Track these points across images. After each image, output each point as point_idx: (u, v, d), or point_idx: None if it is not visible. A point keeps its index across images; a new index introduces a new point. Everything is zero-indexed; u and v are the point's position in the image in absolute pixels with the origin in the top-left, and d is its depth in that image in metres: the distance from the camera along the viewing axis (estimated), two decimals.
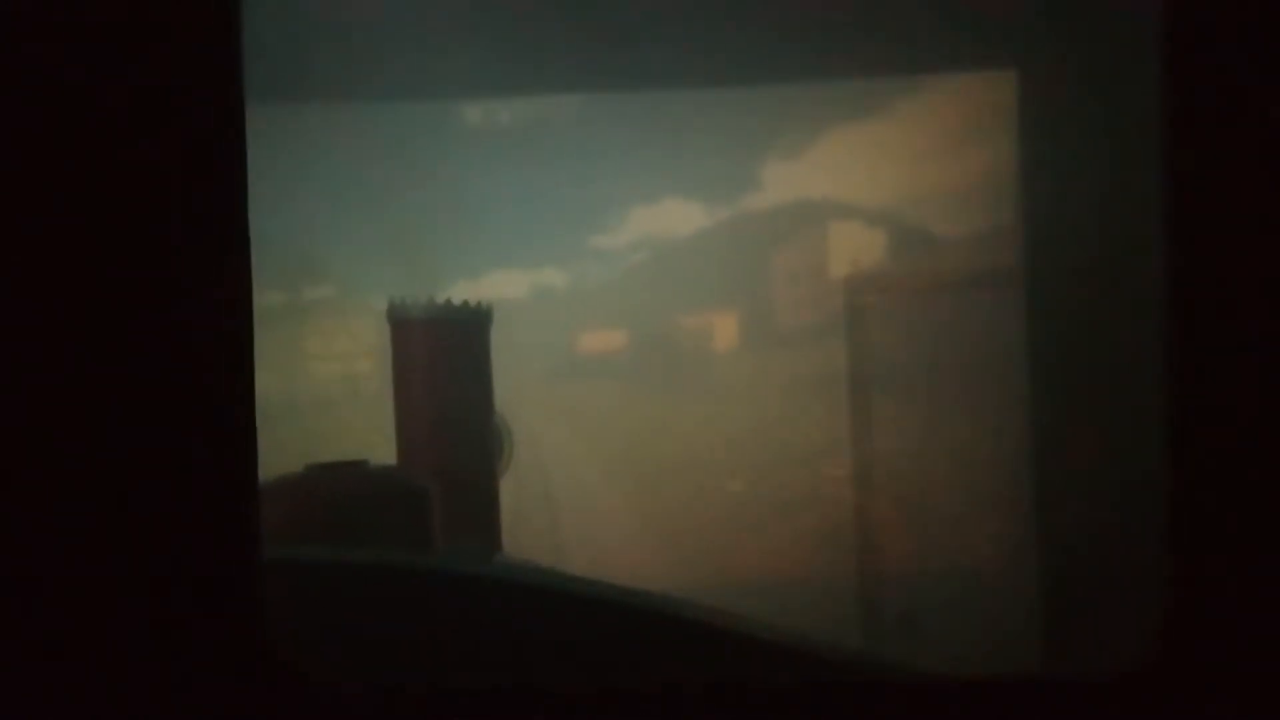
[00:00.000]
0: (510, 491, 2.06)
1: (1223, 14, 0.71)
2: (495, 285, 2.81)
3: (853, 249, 2.62)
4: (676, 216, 2.79)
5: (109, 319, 0.71)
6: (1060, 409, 1.87)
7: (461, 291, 2.68)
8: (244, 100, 0.70)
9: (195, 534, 0.71)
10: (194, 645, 0.73)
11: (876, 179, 2.58)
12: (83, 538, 0.72)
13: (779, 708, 0.81)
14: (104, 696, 0.73)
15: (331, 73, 1.92)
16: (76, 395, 0.71)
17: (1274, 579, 0.72)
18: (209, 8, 0.70)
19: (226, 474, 0.71)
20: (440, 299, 1.80)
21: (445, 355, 1.76)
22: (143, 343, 0.71)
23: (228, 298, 0.70)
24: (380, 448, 1.78)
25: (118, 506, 0.72)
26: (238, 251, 0.70)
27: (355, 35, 1.82)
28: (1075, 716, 0.76)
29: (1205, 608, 0.73)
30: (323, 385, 2.77)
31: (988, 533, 2.16)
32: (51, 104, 0.70)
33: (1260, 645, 0.72)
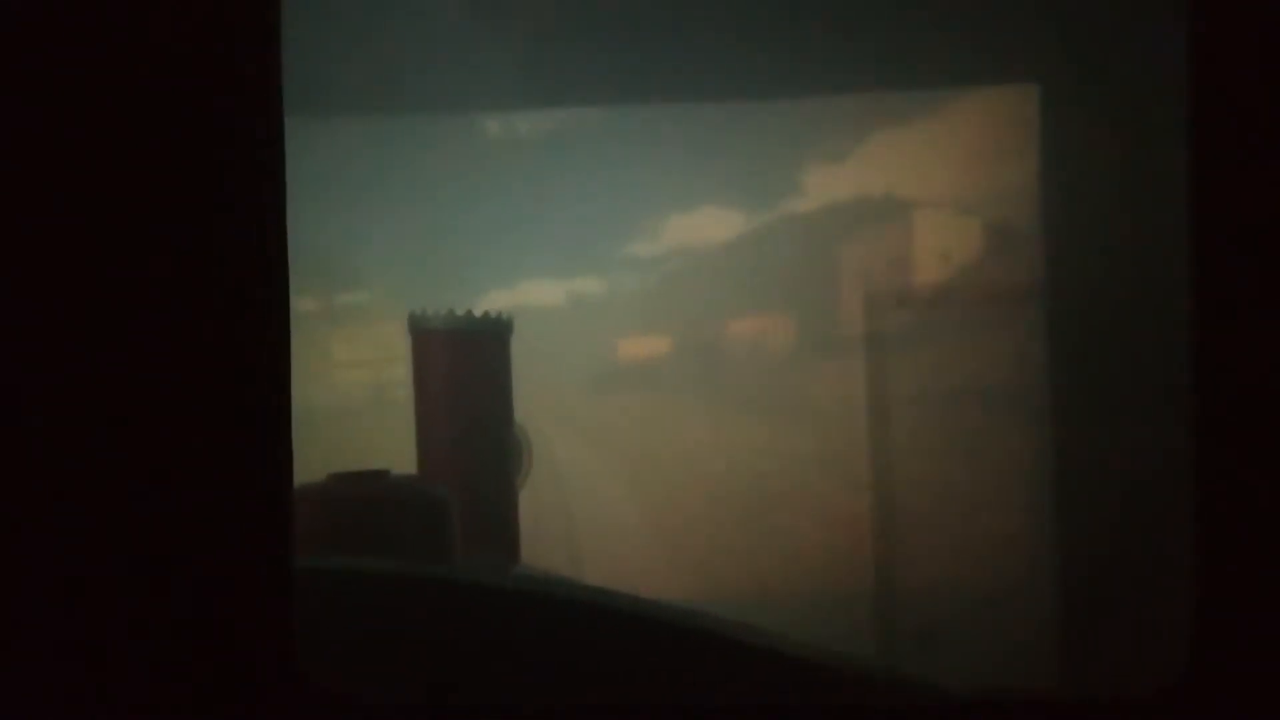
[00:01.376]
0: (531, 502, 2.06)
1: (1250, 24, 0.71)
2: (529, 294, 2.82)
3: (893, 255, 2.60)
4: (714, 223, 2.78)
5: (146, 326, 0.72)
6: (1081, 423, 1.86)
7: (496, 300, 2.70)
8: (283, 112, 0.72)
9: (228, 542, 0.72)
10: (221, 654, 0.73)
11: (925, 184, 2.56)
12: (113, 543, 0.72)
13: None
14: (126, 702, 0.74)
15: (365, 86, 1.94)
16: (109, 400, 0.72)
17: None
18: (250, 22, 0.71)
19: (261, 482, 0.72)
20: (475, 307, 1.82)
21: (465, 366, 1.77)
22: (177, 349, 0.72)
23: (266, 305, 0.71)
24: (406, 455, 1.79)
25: (151, 513, 0.72)
26: (276, 259, 0.71)
27: (389, 49, 1.84)
28: None
29: (1234, 625, 0.72)
30: (351, 392, 2.79)
31: (1007, 548, 2.15)
32: (91, 115, 0.72)
33: None
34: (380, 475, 1.48)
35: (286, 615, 0.73)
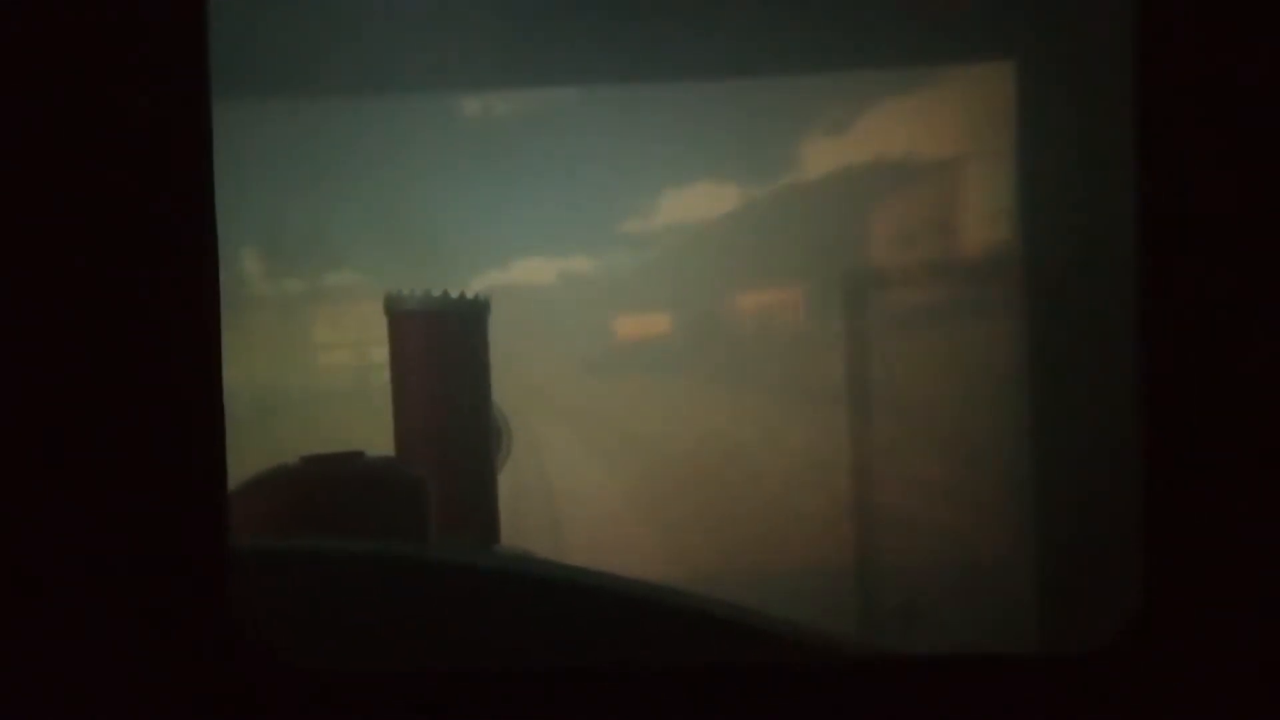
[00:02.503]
0: (516, 483, 2.06)
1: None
2: (522, 273, 2.82)
3: (877, 234, 2.59)
4: (708, 199, 2.77)
5: (72, 309, 0.71)
6: (1059, 399, 1.87)
7: (489, 280, 2.70)
8: (209, 89, 0.71)
9: (161, 522, 0.71)
10: (164, 635, 0.73)
11: (912, 161, 2.55)
12: (44, 526, 0.72)
13: (758, 687, 0.81)
14: (74, 691, 0.73)
15: (354, 66, 1.93)
16: (36, 384, 0.72)
17: (1249, 559, 0.73)
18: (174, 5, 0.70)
19: (193, 462, 0.71)
20: (469, 287, 1.82)
21: (442, 347, 1.77)
22: (106, 330, 0.71)
23: (194, 286, 0.71)
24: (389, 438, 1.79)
25: (79, 497, 0.72)
26: (204, 240, 0.71)
27: (377, 29, 1.83)
28: (1046, 692, 0.76)
29: (1178, 586, 0.74)
30: (340, 374, 2.79)
31: (987, 523, 2.16)
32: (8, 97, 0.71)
33: (1234, 626, 0.73)
34: (354, 456, 1.48)
35: (222, 590, 0.72)
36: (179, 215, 0.70)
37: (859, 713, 0.79)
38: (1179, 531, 0.74)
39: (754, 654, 1.11)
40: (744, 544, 2.44)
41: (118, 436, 0.71)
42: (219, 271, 0.71)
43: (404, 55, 1.89)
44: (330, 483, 1.42)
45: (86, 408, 0.71)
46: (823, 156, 2.65)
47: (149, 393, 0.70)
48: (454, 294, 1.81)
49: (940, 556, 2.24)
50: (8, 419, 0.71)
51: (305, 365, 2.79)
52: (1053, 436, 1.88)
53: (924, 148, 2.51)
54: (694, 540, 2.55)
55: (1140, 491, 0.74)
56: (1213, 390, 0.73)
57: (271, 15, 1.69)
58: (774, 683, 0.80)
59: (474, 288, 1.86)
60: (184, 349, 0.70)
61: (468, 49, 1.87)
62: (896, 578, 2.29)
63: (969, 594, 2.04)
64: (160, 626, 0.73)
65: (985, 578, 2.07)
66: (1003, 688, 0.76)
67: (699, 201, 2.75)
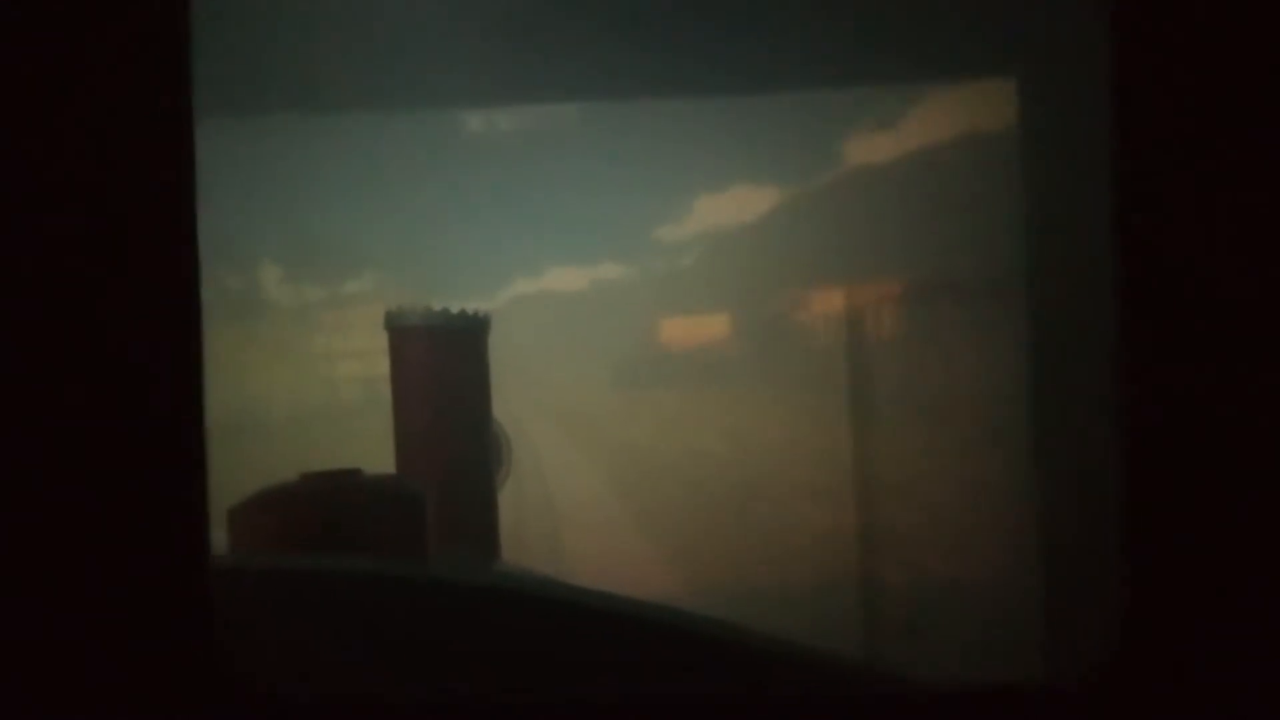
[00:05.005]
0: (529, 499, 2.06)
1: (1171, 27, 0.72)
2: (553, 282, 2.82)
3: (881, 249, 2.58)
4: (742, 204, 2.77)
5: (55, 325, 0.71)
6: (1062, 417, 1.86)
7: (519, 289, 2.71)
8: (192, 106, 0.71)
9: (144, 543, 0.71)
10: (143, 657, 0.72)
11: (917, 178, 2.54)
12: (26, 546, 0.72)
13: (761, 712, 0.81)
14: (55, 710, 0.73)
15: (371, 82, 1.94)
16: (18, 404, 0.71)
17: (1230, 582, 0.73)
18: (159, 26, 0.70)
19: (175, 482, 0.71)
20: (497, 298, 1.82)
21: (443, 363, 1.77)
22: (89, 349, 0.71)
23: (177, 309, 0.70)
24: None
25: (63, 517, 0.72)
26: (186, 259, 0.70)
27: (393, 45, 1.84)
28: None
29: (1161, 615, 0.73)
30: (347, 386, 2.80)
31: (991, 542, 2.15)
32: None
33: (1215, 652, 0.72)
34: (353, 473, 1.47)
35: (205, 612, 0.72)
36: (161, 237, 0.70)
37: None
38: (1158, 574, 0.73)
39: (756, 676, 1.10)
40: (749, 561, 2.43)
41: (99, 455, 0.71)
42: (201, 298, 0.71)
43: (434, 72, 1.90)
44: (329, 499, 1.41)
45: (70, 427, 0.71)
46: (850, 160, 2.64)
47: (131, 413, 0.70)
48: (455, 309, 1.81)
49: (944, 576, 2.23)
50: None
51: (316, 378, 2.80)
52: (1056, 456, 1.87)
53: (938, 159, 2.50)
54: (698, 557, 2.54)
55: (1120, 533, 0.74)
56: (1191, 408, 0.73)
57: (286, 37, 1.70)
58: (777, 708, 0.80)
59: (502, 298, 1.86)
60: (167, 371, 0.70)
61: (508, 66, 1.88)
62: (900, 596, 2.28)
63: (974, 612, 2.03)
64: (142, 646, 0.72)
65: (991, 596, 2.06)
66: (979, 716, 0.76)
67: (747, 203, 2.76)
